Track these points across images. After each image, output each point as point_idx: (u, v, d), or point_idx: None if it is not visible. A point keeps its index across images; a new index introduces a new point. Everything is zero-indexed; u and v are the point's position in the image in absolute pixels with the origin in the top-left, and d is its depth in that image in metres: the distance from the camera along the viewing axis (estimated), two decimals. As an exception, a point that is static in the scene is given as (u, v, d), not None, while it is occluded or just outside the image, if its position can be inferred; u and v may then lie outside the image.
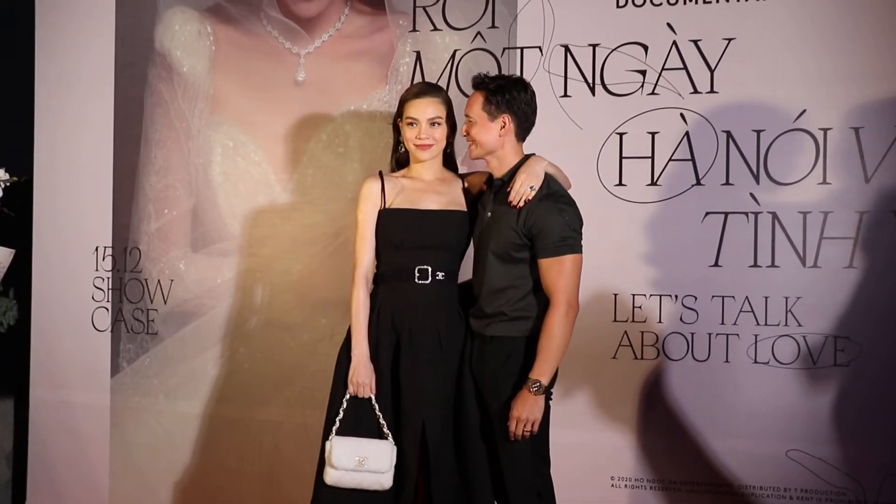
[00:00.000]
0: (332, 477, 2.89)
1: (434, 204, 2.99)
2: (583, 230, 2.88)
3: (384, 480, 2.87)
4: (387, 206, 2.99)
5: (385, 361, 2.96)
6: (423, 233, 2.95)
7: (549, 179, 2.89)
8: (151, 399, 4.02)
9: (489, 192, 2.97)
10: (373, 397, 2.93)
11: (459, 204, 3.02)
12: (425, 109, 2.96)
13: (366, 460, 2.85)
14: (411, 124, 2.97)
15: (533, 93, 2.94)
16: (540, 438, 2.87)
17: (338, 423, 2.93)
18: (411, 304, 2.95)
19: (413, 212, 2.97)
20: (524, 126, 2.92)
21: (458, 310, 2.99)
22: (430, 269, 2.95)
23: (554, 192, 2.86)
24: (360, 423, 2.93)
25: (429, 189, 3.01)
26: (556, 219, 2.79)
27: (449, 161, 3.08)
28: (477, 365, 2.94)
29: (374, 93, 3.74)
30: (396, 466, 2.90)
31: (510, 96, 2.87)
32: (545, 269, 2.81)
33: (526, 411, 2.78)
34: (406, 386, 2.94)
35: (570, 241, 2.80)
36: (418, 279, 2.95)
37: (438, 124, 2.97)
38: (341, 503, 2.92)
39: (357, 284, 2.98)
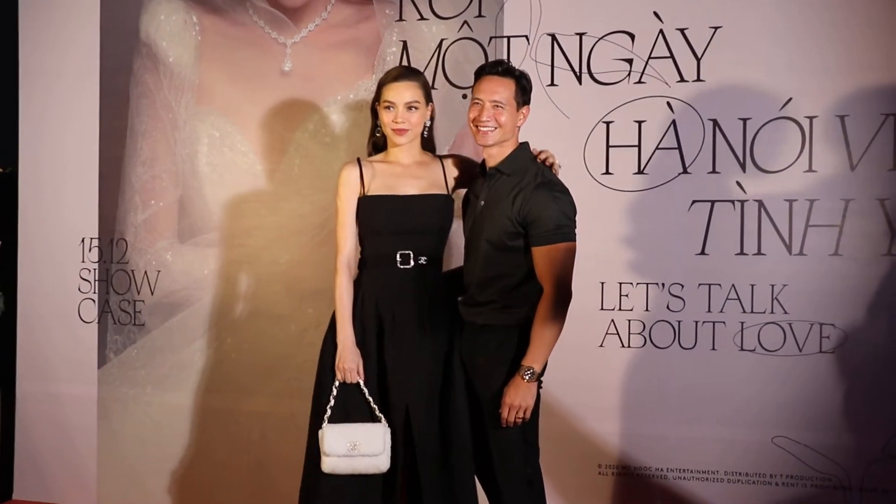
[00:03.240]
0: (328, 465, 2.89)
1: (413, 188, 2.99)
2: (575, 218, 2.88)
3: (380, 463, 2.87)
4: (366, 194, 2.99)
5: (371, 347, 2.96)
6: (403, 218, 2.96)
7: (543, 168, 2.90)
8: (139, 390, 4.01)
9: (483, 180, 2.96)
10: (361, 382, 2.93)
11: (439, 187, 3.02)
12: (403, 93, 2.96)
13: (358, 445, 2.86)
14: (388, 108, 2.97)
15: None
16: (530, 427, 2.88)
17: (329, 412, 2.93)
18: (394, 289, 2.96)
19: (392, 198, 2.97)
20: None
21: (443, 294, 2.99)
22: (411, 253, 2.95)
23: (549, 181, 2.86)
24: (350, 408, 2.93)
25: (407, 173, 3.01)
26: (551, 207, 2.79)
27: (428, 144, 3.08)
28: (468, 354, 2.93)
29: (361, 82, 3.73)
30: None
31: (530, 89, 2.92)
32: (539, 256, 2.80)
33: (518, 398, 2.78)
34: (391, 371, 2.94)
35: (565, 230, 2.80)
36: (400, 264, 2.95)
37: (416, 108, 2.97)
38: (339, 490, 2.92)
39: (339, 271, 2.99)
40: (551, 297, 2.78)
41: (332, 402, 2.93)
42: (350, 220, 3.00)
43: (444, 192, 3.02)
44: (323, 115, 3.78)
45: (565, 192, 2.86)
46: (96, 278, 4.08)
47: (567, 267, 2.80)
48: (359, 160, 3.04)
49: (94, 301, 4.08)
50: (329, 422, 2.91)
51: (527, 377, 2.78)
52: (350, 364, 2.92)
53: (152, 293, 4.00)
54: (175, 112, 3.98)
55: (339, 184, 3.01)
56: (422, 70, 3.59)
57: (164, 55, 3.98)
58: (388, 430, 2.89)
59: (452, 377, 2.94)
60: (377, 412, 2.91)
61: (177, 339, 3.96)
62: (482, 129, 2.86)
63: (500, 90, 2.86)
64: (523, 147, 2.92)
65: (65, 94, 4.11)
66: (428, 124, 3.02)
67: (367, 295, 2.98)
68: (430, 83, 3.63)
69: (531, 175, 2.85)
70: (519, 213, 2.81)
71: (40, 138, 4.16)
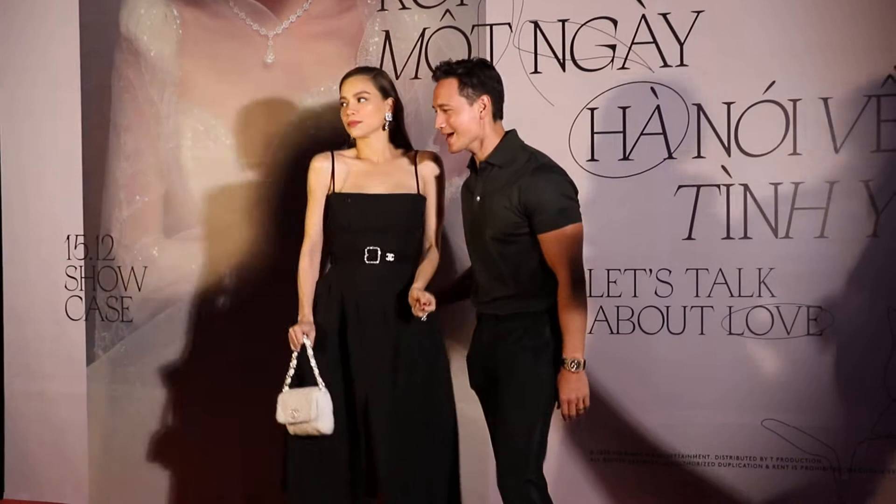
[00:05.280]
0: (290, 431, 2.96)
1: (380, 187, 3.01)
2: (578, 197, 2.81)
3: (320, 426, 2.88)
4: (335, 191, 3.02)
5: (332, 339, 2.99)
6: (370, 217, 2.98)
7: (536, 153, 2.84)
8: (128, 387, 4.00)
9: (475, 175, 2.91)
10: (307, 345, 2.93)
11: (408, 186, 3.02)
12: (353, 86, 3.01)
13: (297, 412, 2.89)
14: (342, 103, 3.03)
15: (497, 71, 2.90)
16: (545, 424, 2.82)
17: (288, 380, 2.97)
18: (360, 283, 2.98)
19: (359, 196, 3.00)
20: (499, 104, 2.86)
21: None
22: (379, 250, 2.97)
23: (544, 164, 2.80)
24: (303, 375, 2.97)
25: (376, 171, 3.03)
26: (550, 190, 2.73)
27: (396, 138, 3.08)
28: (487, 347, 2.86)
29: (344, 73, 3.70)
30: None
31: (482, 76, 2.81)
32: (548, 243, 2.74)
33: (573, 391, 2.73)
34: (353, 365, 2.97)
35: (568, 212, 2.74)
36: (367, 259, 2.97)
37: (365, 99, 2.98)
38: (305, 453, 2.97)
39: (302, 257, 3.05)
40: (569, 283, 2.72)
41: (291, 371, 2.96)
42: (316, 210, 3.05)
43: (414, 192, 3.02)
44: (307, 107, 3.77)
45: (562, 172, 2.81)
46: (83, 275, 4.06)
47: (577, 249, 2.75)
48: (332, 153, 3.06)
49: (81, 298, 4.07)
50: (290, 387, 2.96)
51: (573, 369, 2.72)
52: (295, 330, 2.94)
53: (139, 289, 3.99)
54: (158, 106, 3.95)
55: (310, 173, 3.05)
56: (405, 60, 3.60)
57: (146, 49, 3.96)
58: (326, 394, 2.88)
59: (437, 375, 2.96)
60: (318, 376, 2.91)
61: (165, 335, 3.95)
62: (444, 135, 2.85)
63: (441, 93, 2.81)
64: (511, 136, 2.87)
65: (46, 90, 4.08)
66: (388, 118, 3.02)
67: (332, 288, 3.01)
68: (414, 73, 3.64)
69: (523, 161, 2.80)
70: (520, 201, 2.74)
71: (22, 136, 4.13)
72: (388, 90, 3.03)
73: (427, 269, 3.01)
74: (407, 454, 2.94)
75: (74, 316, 4.08)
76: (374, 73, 3.06)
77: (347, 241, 3.01)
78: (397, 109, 3.05)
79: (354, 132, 3.02)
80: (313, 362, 2.92)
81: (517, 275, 2.80)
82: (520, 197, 2.74)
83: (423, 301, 2.81)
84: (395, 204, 2.99)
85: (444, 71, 2.83)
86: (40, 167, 4.09)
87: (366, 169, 3.03)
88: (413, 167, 3.05)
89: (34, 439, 4.12)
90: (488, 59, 3.50)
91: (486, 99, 2.81)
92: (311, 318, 2.99)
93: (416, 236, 3.06)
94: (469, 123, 2.80)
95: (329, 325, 3.00)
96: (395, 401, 2.94)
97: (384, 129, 3.03)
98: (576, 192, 2.79)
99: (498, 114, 2.87)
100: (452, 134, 2.82)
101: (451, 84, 2.80)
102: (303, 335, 2.95)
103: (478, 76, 2.80)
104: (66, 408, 4.08)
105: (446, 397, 3.05)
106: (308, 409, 2.88)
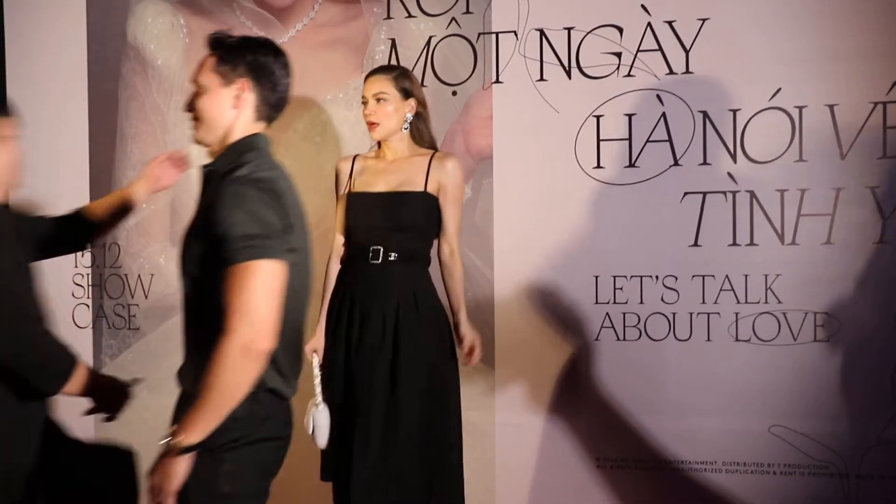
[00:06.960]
0: None
1: (384, 185, 3.02)
2: (305, 239, 2.13)
3: (316, 440, 2.90)
4: (350, 190, 3.08)
5: (340, 339, 3.02)
6: (373, 215, 3.00)
7: (265, 163, 2.07)
8: (135, 395, 3.99)
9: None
10: (313, 362, 2.97)
11: (413, 184, 3.01)
12: (372, 86, 3.03)
13: (306, 426, 2.91)
14: (364, 103, 3.05)
15: (287, 63, 2.17)
16: None
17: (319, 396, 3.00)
18: (366, 284, 3.00)
19: (364, 195, 3.03)
20: (269, 101, 2.12)
21: (416, 292, 2.99)
22: (382, 249, 2.97)
23: (246, 176, 1.98)
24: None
25: (388, 169, 3.05)
26: (235, 209, 1.92)
27: (420, 138, 3.09)
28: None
29: (350, 81, 3.72)
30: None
31: (254, 58, 2.10)
32: (224, 281, 1.91)
33: (157, 475, 2.03)
34: (353, 366, 2.99)
35: (256, 242, 1.91)
36: (371, 259, 2.99)
37: (383, 100, 3.00)
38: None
39: (329, 261, 3.14)
40: (231, 339, 1.88)
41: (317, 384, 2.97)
42: (339, 213, 3.12)
43: (419, 190, 3.00)
44: (312, 115, 3.78)
45: (270, 188, 1.98)
46: (90, 283, 4.07)
47: (260, 297, 1.89)
48: (355, 156, 3.14)
49: (88, 306, 4.07)
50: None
51: (174, 448, 2.00)
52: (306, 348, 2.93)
53: (146, 297, 3.99)
54: (164, 115, 3.97)
55: (336, 177, 3.15)
56: (410, 68, 3.61)
57: (153, 58, 3.97)
58: (323, 411, 2.89)
59: (443, 383, 2.98)
60: (318, 394, 2.93)
61: (172, 343, 3.95)
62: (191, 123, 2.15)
63: (200, 69, 2.14)
64: (254, 138, 2.11)
65: (53, 100, 4.09)
66: (409, 119, 3.02)
67: (346, 289, 3.04)
68: (420, 81, 3.64)
69: (234, 169, 2.03)
70: (206, 221, 1.97)
71: (30, 143, 4.12)
72: (409, 91, 3.02)
73: (457, 289, 3.06)
74: (398, 461, 2.91)
75: (81, 324, 4.08)
76: (395, 74, 3.05)
77: (355, 240, 3.04)
78: (420, 110, 3.06)
79: (373, 134, 3.04)
80: (317, 381, 2.94)
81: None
82: (207, 215, 1.98)
83: (475, 353, 2.97)
84: (396, 202, 2.99)
85: (210, 43, 2.15)
86: (48, 175, 4.09)
87: (379, 167, 3.05)
88: (427, 166, 3.02)
89: (41, 447, 4.12)
90: (494, 67, 3.53)
91: (245, 83, 2.09)
92: (322, 335, 3.04)
93: (424, 236, 3.04)
94: (214, 109, 2.09)
95: (339, 327, 3.01)
96: (390, 408, 2.92)
97: (405, 129, 3.04)
98: (285, 218, 1.99)
99: (263, 112, 2.13)
100: (197, 120, 2.12)
101: (210, 59, 2.12)
102: (311, 353, 2.99)
103: (245, 55, 2.10)
104: (72, 416, 4.07)
105: (454, 406, 3.02)
106: (308, 424, 2.90)
